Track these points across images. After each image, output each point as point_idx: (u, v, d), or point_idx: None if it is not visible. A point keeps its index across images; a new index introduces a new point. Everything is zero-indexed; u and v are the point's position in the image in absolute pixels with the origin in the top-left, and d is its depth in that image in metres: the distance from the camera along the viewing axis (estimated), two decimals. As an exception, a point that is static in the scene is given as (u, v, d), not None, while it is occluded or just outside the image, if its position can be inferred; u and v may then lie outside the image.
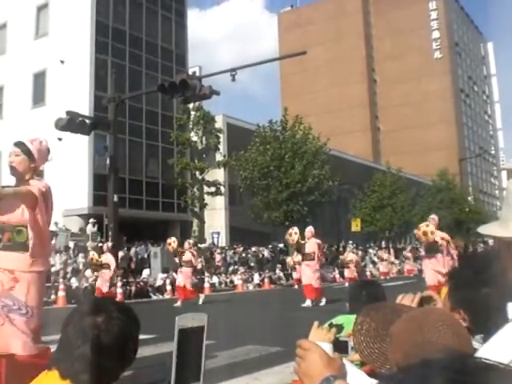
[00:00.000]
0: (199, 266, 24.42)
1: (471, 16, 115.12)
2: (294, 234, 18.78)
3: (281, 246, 38.05)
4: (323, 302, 17.36)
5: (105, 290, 19.14)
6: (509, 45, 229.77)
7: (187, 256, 19.45)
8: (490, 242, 38.71)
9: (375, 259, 39.28)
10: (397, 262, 41.34)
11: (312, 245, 17.86)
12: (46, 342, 8.84)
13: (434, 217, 14.35)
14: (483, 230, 1.50)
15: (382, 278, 33.08)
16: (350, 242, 44.53)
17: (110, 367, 1.89)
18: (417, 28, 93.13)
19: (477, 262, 2.83)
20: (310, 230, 18.41)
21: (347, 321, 3.31)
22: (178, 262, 20.09)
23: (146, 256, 29.16)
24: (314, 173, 35.11)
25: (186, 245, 19.87)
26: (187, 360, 1.04)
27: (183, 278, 19.30)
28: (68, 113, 21.05)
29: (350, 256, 29.46)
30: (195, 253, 20.22)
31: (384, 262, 36.89)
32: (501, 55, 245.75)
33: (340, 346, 1.91)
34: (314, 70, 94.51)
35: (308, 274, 17.62)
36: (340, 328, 3.27)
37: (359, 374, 1.71)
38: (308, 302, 16.96)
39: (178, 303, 18.80)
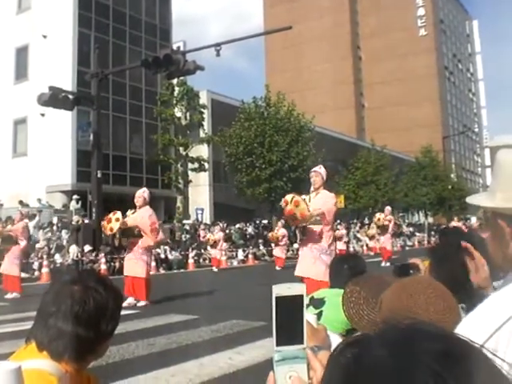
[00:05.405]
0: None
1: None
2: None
3: (264, 222, 38.16)
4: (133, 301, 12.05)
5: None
6: (493, 23, 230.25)
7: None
8: (473, 219, 39.00)
9: (358, 236, 39.39)
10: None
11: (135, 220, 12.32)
12: (27, 318, 8.85)
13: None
14: (471, 199, 1.54)
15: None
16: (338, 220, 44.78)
17: (83, 338, 1.87)
18: (402, 5, 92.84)
19: (453, 239, 2.88)
20: (140, 194, 12.48)
21: (328, 294, 3.36)
22: None
23: (129, 232, 29.11)
24: (298, 150, 35.14)
25: (18, 215, 15.06)
26: (287, 324, 1.09)
27: (7, 262, 14.39)
28: (51, 88, 20.88)
29: (280, 231, 25.97)
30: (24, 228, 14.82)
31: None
32: (485, 33, 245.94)
33: None
34: (298, 47, 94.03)
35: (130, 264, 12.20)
36: (321, 302, 3.32)
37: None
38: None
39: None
